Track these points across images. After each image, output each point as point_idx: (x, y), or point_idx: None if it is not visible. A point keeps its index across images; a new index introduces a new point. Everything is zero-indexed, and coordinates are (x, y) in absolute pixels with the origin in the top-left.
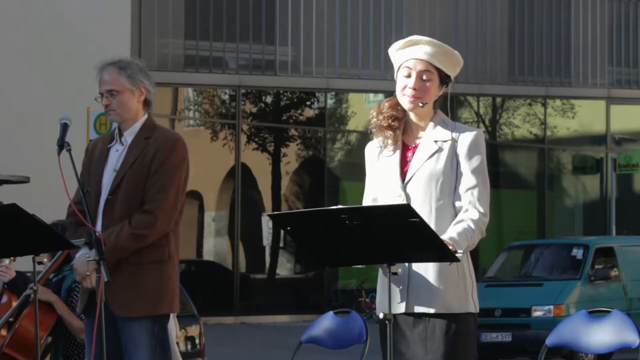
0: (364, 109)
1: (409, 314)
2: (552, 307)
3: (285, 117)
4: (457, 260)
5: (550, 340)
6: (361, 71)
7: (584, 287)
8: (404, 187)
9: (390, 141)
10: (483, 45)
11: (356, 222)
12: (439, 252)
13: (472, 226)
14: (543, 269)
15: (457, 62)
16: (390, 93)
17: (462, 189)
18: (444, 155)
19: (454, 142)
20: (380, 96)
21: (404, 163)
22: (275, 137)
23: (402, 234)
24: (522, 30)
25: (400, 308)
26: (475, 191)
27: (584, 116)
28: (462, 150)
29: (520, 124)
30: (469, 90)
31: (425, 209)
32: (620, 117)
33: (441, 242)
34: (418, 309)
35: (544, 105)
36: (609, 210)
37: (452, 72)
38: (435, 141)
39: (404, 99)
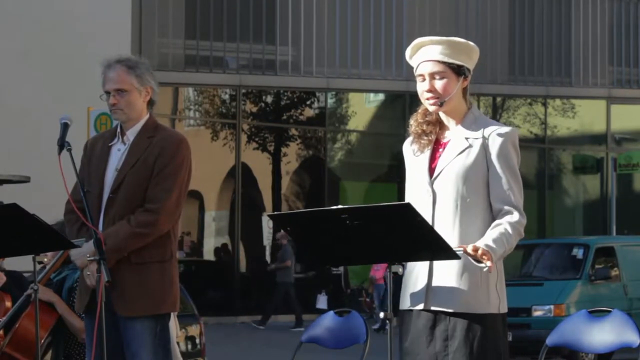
0: (364, 108)
1: (429, 311)
2: (552, 306)
3: (285, 117)
4: (457, 257)
5: (551, 340)
6: (361, 71)
7: (585, 287)
8: (431, 183)
9: (424, 143)
10: (483, 44)
11: (356, 222)
12: (440, 251)
13: (510, 230)
14: (543, 269)
15: (467, 48)
16: (390, 93)
17: (499, 189)
18: (473, 152)
19: (485, 139)
20: (381, 96)
21: (433, 159)
22: (276, 137)
23: (402, 233)
24: (522, 30)
25: (419, 305)
26: (514, 191)
27: (585, 116)
28: (494, 148)
29: (520, 123)
30: (469, 90)
31: (451, 206)
32: (620, 116)
33: (442, 241)
34: (436, 307)
35: (545, 104)
36: (609, 210)
37: (468, 60)
38: (466, 138)
39: (426, 103)
